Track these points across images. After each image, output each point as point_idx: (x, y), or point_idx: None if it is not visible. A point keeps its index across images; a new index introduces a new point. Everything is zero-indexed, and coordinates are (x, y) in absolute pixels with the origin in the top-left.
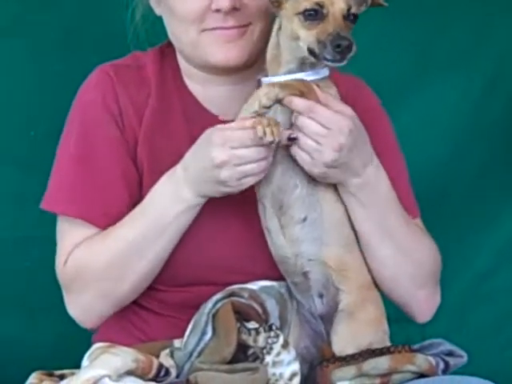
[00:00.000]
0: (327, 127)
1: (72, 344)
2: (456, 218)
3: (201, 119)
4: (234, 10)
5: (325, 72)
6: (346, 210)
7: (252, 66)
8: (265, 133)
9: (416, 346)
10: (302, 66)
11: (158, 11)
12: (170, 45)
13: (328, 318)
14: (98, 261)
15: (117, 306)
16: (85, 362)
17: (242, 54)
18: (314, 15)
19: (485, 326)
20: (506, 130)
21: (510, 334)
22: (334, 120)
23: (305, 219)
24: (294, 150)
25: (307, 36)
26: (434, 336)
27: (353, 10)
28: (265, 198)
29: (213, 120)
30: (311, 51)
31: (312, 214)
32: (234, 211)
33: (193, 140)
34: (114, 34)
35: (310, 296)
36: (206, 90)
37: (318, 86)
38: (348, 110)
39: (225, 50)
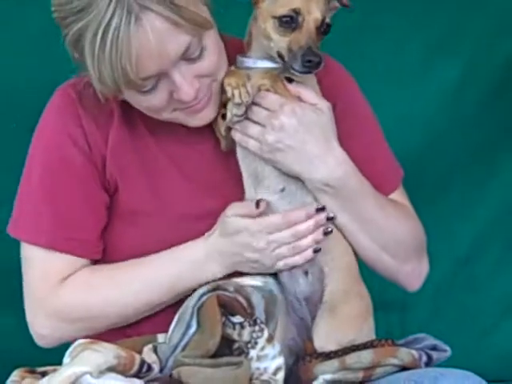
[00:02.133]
0: (269, 109)
1: None
2: (433, 205)
3: (165, 129)
4: (198, 85)
5: None
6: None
7: None
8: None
9: (400, 341)
10: (271, 58)
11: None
12: None
13: (313, 304)
14: (101, 302)
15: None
16: (66, 358)
17: (214, 112)
18: (289, 22)
19: (464, 312)
20: (482, 119)
21: (488, 320)
22: (278, 101)
23: (283, 190)
24: (244, 139)
25: (279, 41)
26: (413, 323)
27: (327, 20)
28: (242, 164)
29: (178, 128)
30: (280, 56)
31: (290, 185)
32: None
33: (160, 151)
34: None
35: (294, 275)
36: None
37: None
38: (320, 102)
39: (201, 117)
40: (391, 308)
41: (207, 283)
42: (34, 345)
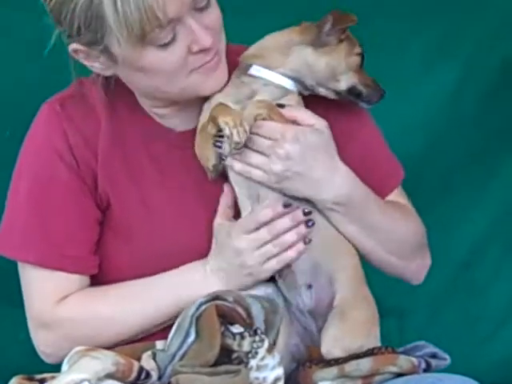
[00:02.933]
0: (271, 138)
1: None
2: (432, 209)
3: (158, 135)
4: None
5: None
6: None
7: None
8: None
9: (400, 349)
10: (298, 80)
11: (109, 73)
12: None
13: (319, 314)
14: (102, 319)
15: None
16: (64, 366)
17: (225, 75)
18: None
19: (463, 318)
20: (481, 122)
21: (488, 326)
22: (278, 130)
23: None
24: (245, 169)
25: (352, 77)
26: (411, 329)
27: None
28: (239, 187)
29: (170, 134)
30: (352, 91)
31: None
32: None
33: (153, 159)
34: None
35: (297, 289)
36: (177, 117)
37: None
38: (317, 122)
39: (214, 80)
40: (390, 314)
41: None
42: (33, 352)
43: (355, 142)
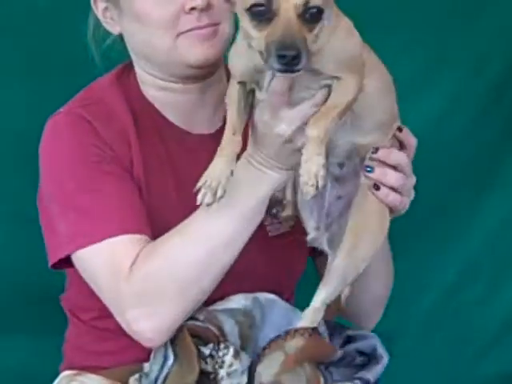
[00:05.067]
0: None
1: (39, 373)
2: (422, 232)
3: (174, 135)
4: (207, 7)
5: None
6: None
7: (215, 72)
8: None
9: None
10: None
11: (116, 30)
12: (124, 69)
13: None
14: (182, 263)
15: (189, 312)
16: None
17: (218, 51)
18: (262, 13)
19: (453, 341)
20: (471, 145)
21: (477, 348)
22: (405, 161)
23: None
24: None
25: (258, 38)
26: (401, 351)
27: (313, 3)
28: None
29: (185, 135)
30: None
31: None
32: None
33: (170, 158)
34: (78, 58)
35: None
36: (174, 103)
37: None
38: None
39: (203, 49)
40: (380, 335)
41: None
42: (24, 369)
43: None
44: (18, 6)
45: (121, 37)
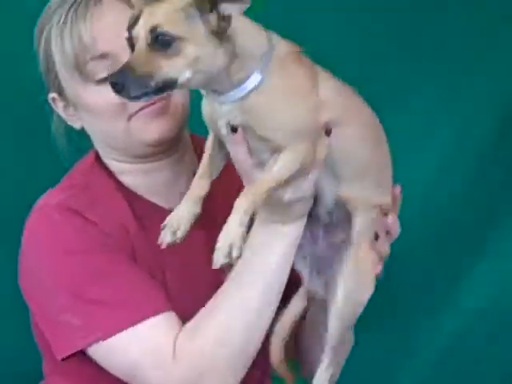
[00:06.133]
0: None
1: None
2: (417, 295)
3: (153, 214)
4: None
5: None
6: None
7: (178, 145)
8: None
9: None
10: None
11: (78, 125)
12: (95, 159)
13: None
14: (228, 335)
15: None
16: None
17: (173, 125)
18: (129, 44)
19: None
20: (471, 193)
21: None
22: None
23: None
24: None
25: None
26: None
27: (160, 30)
28: None
29: (162, 212)
30: None
31: None
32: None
33: (148, 238)
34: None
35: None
36: (147, 183)
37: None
38: None
39: (157, 125)
40: None
41: None
42: None
43: None
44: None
45: (84, 131)
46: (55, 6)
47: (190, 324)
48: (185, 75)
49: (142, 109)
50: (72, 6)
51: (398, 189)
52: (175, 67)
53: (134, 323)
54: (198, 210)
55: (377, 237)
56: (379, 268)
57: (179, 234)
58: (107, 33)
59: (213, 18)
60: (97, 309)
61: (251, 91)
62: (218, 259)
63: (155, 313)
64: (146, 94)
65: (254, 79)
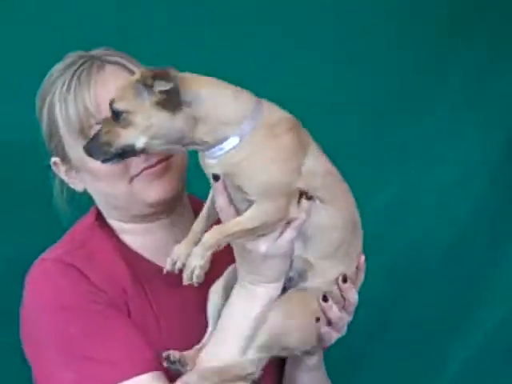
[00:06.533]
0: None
1: None
2: (426, 319)
3: (149, 273)
4: None
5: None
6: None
7: (177, 206)
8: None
9: None
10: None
11: (80, 187)
12: (96, 217)
13: None
14: None
15: None
16: None
17: (173, 186)
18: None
19: None
20: (491, 204)
21: None
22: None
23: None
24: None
25: None
26: None
27: (114, 106)
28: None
29: (160, 272)
30: None
31: None
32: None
33: (145, 295)
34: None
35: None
36: (147, 242)
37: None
38: None
39: (157, 187)
40: None
41: None
42: None
43: None
44: None
45: (86, 192)
46: (57, 73)
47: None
48: (140, 141)
49: (143, 170)
50: (75, 72)
51: (362, 258)
52: (129, 135)
53: (121, 381)
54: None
55: (326, 299)
56: (325, 329)
57: (178, 266)
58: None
59: (157, 92)
60: (88, 365)
61: (229, 151)
62: (184, 281)
63: (143, 372)
64: (109, 159)
65: (232, 141)
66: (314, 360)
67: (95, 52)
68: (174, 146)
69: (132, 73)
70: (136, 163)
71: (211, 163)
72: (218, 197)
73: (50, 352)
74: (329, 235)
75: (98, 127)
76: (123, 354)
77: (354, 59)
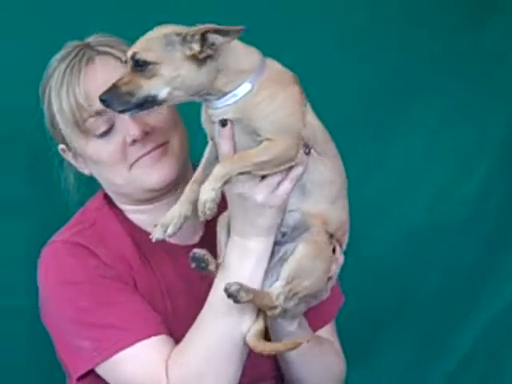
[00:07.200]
0: None
1: None
2: (426, 319)
3: (154, 248)
4: (146, 134)
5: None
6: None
7: (182, 183)
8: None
9: None
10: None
11: (87, 172)
12: (104, 198)
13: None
14: (214, 348)
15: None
16: None
17: (172, 169)
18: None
19: None
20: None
21: None
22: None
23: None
24: None
25: None
26: None
27: (137, 56)
28: None
29: (165, 246)
30: None
31: None
32: None
33: (151, 271)
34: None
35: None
36: (151, 220)
37: None
38: None
39: (156, 171)
40: None
41: None
42: None
43: None
44: None
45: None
46: (54, 64)
47: (179, 345)
48: (164, 92)
49: (141, 157)
50: (69, 64)
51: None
52: (153, 86)
53: (132, 344)
54: (189, 212)
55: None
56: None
57: (169, 231)
58: (101, 91)
59: (196, 45)
60: (100, 332)
61: (244, 96)
62: (199, 217)
63: (151, 335)
64: (129, 109)
65: (245, 87)
66: (295, 326)
67: (91, 39)
68: (191, 97)
69: (123, 62)
70: (132, 151)
71: (221, 111)
72: (223, 142)
73: (66, 324)
74: (327, 187)
75: (92, 120)
76: (133, 320)
77: (359, 39)
